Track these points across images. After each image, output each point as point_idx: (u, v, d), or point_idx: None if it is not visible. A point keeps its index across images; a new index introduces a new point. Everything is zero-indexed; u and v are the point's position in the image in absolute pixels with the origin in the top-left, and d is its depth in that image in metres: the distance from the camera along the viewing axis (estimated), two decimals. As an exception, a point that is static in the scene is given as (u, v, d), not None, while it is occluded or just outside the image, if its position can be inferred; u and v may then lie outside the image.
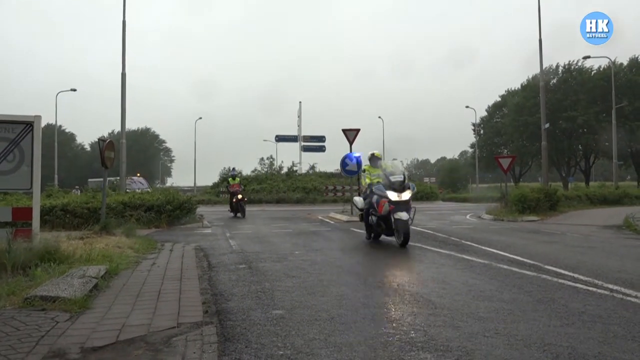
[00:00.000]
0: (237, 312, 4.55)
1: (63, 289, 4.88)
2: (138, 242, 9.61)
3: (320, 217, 18.76)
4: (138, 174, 30.78)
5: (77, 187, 38.19)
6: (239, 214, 19.27)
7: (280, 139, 45.84)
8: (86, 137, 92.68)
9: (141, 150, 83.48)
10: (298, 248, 9.61)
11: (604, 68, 51.46)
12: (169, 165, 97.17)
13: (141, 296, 5.18)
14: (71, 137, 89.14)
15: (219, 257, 8.42)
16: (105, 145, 10.74)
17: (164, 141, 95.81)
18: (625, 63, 52.64)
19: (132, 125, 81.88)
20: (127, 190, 21.82)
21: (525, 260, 7.59)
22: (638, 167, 56.19)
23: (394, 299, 5.14)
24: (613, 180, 36.53)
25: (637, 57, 52.67)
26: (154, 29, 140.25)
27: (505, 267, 7.05)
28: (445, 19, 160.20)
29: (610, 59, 42.43)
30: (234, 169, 24.49)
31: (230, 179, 20.95)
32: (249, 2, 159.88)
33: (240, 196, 19.20)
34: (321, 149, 43.50)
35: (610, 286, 5.57)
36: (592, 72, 54.11)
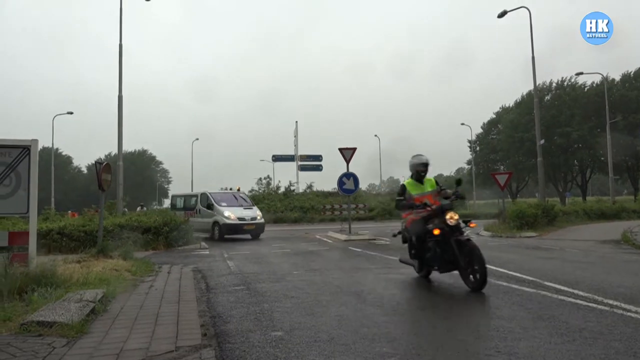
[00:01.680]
0: (236, 335, 4.51)
1: (60, 313, 4.83)
2: (135, 264, 9.54)
3: (318, 237, 18.71)
4: (238, 188, 23.73)
5: (141, 203, 36.37)
6: (430, 273, 7.66)
7: (277, 158, 45.89)
8: (83, 160, 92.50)
9: (138, 172, 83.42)
10: (297, 268, 9.56)
11: (597, 84, 52.06)
12: (166, 186, 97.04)
13: (139, 320, 5.14)
14: (68, 160, 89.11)
15: (217, 278, 8.37)
16: (102, 168, 10.73)
17: (160, 162, 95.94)
18: (617, 79, 53.27)
19: (128, 147, 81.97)
20: (222, 207, 18.58)
21: (524, 276, 7.58)
22: (634, 181, 56.40)
23: (394, 318, 5.10)
24: (610, 195, 36.61)
25: (630, 73, 53.32)
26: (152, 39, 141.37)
27: (504, 284, 7.02)
28: (442, 32, 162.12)
29: (603, 75, 42.94)
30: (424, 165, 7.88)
31: (408, 183, 7.88)
32: (252, 13, 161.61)
33: (451, 217, 6.86)
34: (318, 168, 43.59)
35: (611, 302, 5.55)
36: (585, 88, 54.74)
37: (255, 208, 19.75)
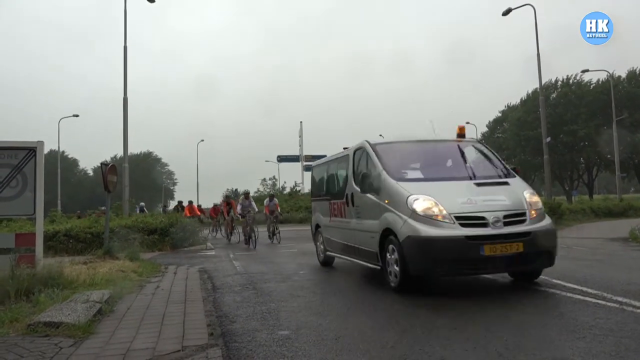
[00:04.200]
0: (243, 334, 4.50)
1: (66, 314, 4.84)
2: (142, 265, 9.57)
3: (324, 237, 18.65)
4: (461, 129, 8.02)
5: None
6: None
7: (282, 159, 46.03)
8: (89, 162, 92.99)
9: (143, 174, 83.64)
10: (303, 268, 9.54)
11: (602, 81, 51.80)
12: (171, 188, 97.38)
13: (145, 320, 5.13)
14: (74, 162, 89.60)
15: (223, 278, 8.36)
16: (108, 170, 10.76)
17: (166, 164, 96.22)
18: (623, 75, 52.98)
19: (134, 149, 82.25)
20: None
21: (532, 274, 7.51)
22: (641, 178, 56.06)
23: (401, 317, 5.07)
24: (617, 193, 36.38)
25: (636, 70, 53.03)
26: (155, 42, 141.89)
27: (510, 282, 6.97)
28: (446, 30, 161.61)
29: (609, 72, 42.74)
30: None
31: None
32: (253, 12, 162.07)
33: None
34: (323, 168, 43.52)
35: (620, 299, 5.49)
36: (591, 86, 54.49)
37: (516, 182, 6.99)
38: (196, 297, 6.51)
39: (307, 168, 43.35)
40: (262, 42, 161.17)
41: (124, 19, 19.59)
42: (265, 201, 18.09)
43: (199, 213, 22.25)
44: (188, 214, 20.12)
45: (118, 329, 4.77)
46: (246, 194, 17.12)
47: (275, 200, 18.35)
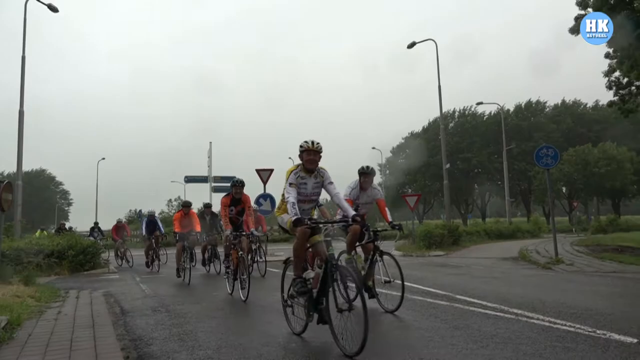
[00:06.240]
0: (161, 356, 4.37)
1: (-40, 342, 4.43)
2: (39, 290, 8.91)
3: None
4: None
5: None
6: None
7: (189, 179, 44.67)
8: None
9: (35, 192, 77.55)
10: (215, 289, 9.38)
11: (494, 113, 56.46)
12: (66, 208, 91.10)
13: (51, 346, 4.81)
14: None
15: (132, 302, 8.01)
16: (3, 187, 9.95)
17: (61, 183, 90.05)
18: (511, 109, 58.15)
19: (25, 166, 76.12)
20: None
21: (437, 291, 8.00)
22: (527, 203, 61.30)
23: (317, 333, 5.18)
24: (506, 217, 39.42)
25: (521, 104, 58.46)
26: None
27: (420, 298, 7.37)
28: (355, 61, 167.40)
29: (500, 105, 46.68)
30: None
31: None
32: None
33: None
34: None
35: (516, 311, 6.02)
36: (485, 117, 59.16)
37: None
38: (105, 321, 6.20)
39: (215, 189, 42.55)
40: (175, 50, 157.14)
41: (23, 28, 18.31)
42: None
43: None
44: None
45: (21, 356, 4.44)
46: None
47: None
